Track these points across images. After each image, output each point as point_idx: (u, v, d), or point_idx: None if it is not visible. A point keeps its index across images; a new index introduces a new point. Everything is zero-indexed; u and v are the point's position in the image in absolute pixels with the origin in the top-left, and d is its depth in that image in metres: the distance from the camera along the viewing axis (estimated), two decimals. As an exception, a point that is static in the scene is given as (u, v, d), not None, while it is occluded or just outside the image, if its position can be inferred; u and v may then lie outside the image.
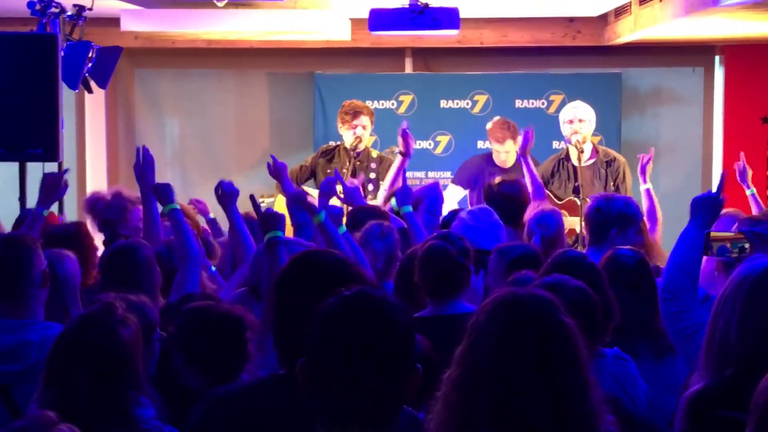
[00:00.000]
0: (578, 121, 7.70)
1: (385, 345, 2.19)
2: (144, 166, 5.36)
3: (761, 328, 2.79)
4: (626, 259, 4.11)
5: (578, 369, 2.25)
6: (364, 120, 8.08)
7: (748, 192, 6.79)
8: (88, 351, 3.14)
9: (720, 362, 2.82)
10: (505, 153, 7.94)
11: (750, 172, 6.89)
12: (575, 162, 7.53)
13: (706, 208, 3.80)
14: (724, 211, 6.09)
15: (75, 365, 3.12)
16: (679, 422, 2.83)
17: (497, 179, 6.47)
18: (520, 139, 7.22)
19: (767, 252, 3.34)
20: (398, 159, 7.09)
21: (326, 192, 5.67)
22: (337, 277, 2.68)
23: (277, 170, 6.11)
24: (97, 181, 9.97)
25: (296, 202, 5.35)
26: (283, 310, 2.73)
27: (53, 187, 5.46)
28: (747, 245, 3.64)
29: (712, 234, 3.65)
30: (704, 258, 3.76)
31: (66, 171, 5.71)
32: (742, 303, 2.82)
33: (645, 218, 6.20)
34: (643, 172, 6.85)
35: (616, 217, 5.01)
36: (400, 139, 7.02)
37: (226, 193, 5.17)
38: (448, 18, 6.53)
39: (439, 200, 6.19)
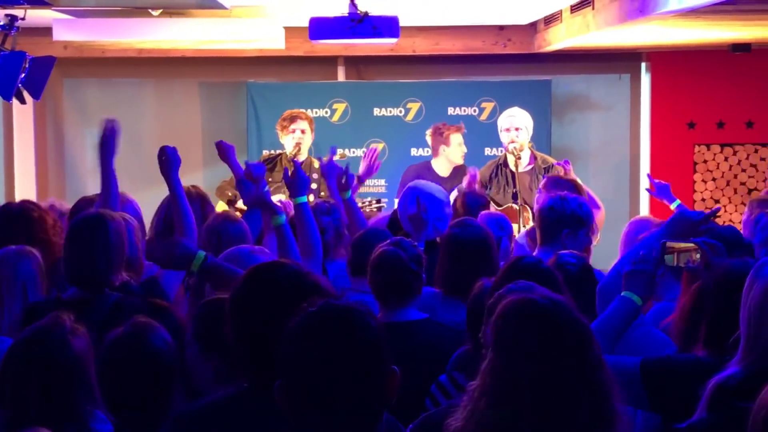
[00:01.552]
0: (515, 130, 7.85)
1: (359, 355, 2.18)
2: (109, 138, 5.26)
3: None
4: (570, 267, 4.13)
5: (605, 367, 2.34)
6: (303, 124, 8.13)
7: (672, 206, 6.69)
8: (39, 363, 3.08)
9: (763, 359, 2.90)
10: (458, 145, 8.18)
11: (669, 186, 6.83)
12: (513, 168, 7.65)
13: (680, 226, 3.86)
14: (641, 217, 6.22)
15: (27, 379, 3.07)
16: (701, 406, 2.90)
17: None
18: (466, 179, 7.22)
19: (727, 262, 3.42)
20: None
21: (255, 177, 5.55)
22: (292, 289, 2.65)
23: (224, 151, 5.81)
24: (25, 191, 9.83)
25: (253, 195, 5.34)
26: (241, 327, 2.69)
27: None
28: (698, 255, 3.72)
29: (668, 244, 3.71)
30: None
31: None
32: None
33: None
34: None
35: (569, 217, 5.01)
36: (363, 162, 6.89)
37: (170, 160, 4.98)
38: (388, 27, 6.56)
39: None
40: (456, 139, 8.27)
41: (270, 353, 2.61)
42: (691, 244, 3.74)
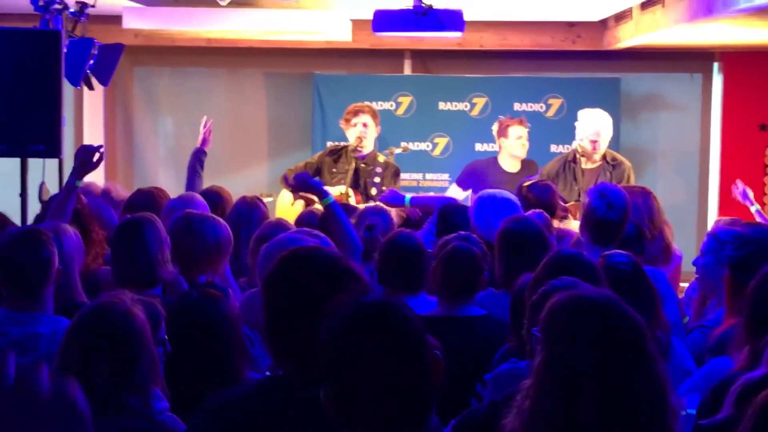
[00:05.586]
0: (601, 138, 7.77)
1: (403, 351, 2.16)
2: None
3: None
4: (623, 266, 4.07)
5: (660, 360, 2.36)
6: (365, 118, 8.10)
7: (753, 209, 6.91)
8: (107, 334, 3.06)
9: None
10: (516, 138, 8.07)
11: (751, 192, 7.02)
12: (583, 165, 7.58)
13: None
14: (723, 219, 6.19)
15: (94, 350, 3.04)
16: (728, 405, 2.88)
17: (527, 182, 6.38)
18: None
19: None
20: None
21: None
22: (326, 273, 2.63)
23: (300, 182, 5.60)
24: (93, 178, 9.92)
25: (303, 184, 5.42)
26: (275, 311, 2.66)
27: (88, 159, 5.39)
28: None
29: None
30: None
31: (101, 147, 5.60)
32: None
33: None
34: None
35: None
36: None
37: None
38: (452, 20, 6.52)
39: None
40: (515, 131, 8.12)
41: (302, 338, 2.59)
42: None
